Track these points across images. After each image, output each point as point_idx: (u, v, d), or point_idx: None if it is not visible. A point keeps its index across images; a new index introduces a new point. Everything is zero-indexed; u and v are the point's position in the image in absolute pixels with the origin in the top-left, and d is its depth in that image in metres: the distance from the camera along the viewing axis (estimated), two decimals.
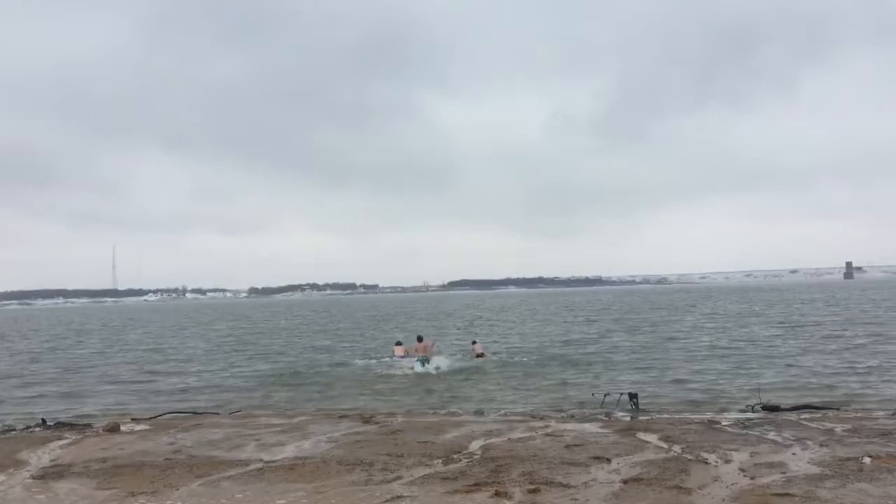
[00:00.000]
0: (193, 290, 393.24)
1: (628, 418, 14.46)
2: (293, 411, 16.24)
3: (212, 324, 69.37)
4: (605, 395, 16.54)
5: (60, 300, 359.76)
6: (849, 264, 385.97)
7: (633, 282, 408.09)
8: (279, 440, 11.83)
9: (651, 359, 24.66)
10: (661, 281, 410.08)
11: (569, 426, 12.80)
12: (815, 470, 8.67)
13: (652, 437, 11.23)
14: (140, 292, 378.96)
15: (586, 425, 12.92)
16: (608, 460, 9.38)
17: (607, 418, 14.29)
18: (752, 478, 8.43)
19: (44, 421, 15.34)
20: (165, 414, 16.28)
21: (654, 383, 19.28)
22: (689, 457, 9.55)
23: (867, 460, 8.93)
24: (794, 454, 9.64)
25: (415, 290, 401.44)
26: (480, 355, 27.80)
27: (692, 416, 14.15)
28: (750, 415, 14.26)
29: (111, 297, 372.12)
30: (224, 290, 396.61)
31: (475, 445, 10.92)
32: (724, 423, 12.87)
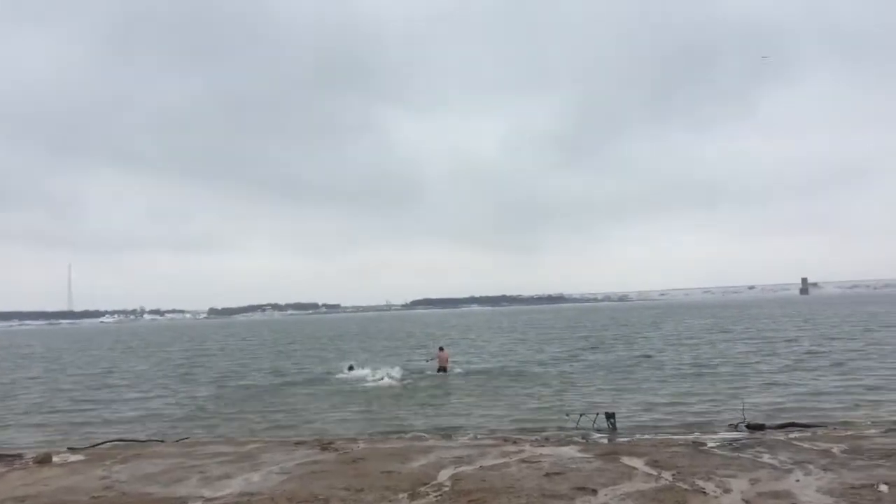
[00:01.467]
0: (151, 311, 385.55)
1: (606, 440, 13.53)
2: (245, 438, 14.99)
3: (166, 345, 67.06)
4: (580, 416, 15.57)
5: (15, 322, 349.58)
6: (804, 280, 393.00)
7: (594, 299, 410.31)
8: (225, 472, 10.60)
9: (624, 377, 23.75)
10: (623, 298, 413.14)
11: (545, 451, 11.77)
12: (828, 501, 7.75)
13: (638, 463, 10.26)
14: (97, 314, 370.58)
15: (564, 449, 11.91)
16: (594, 491, 8.36)
17: (585, 441, 13.31)
18: None
19: None
20: (105, 443, 14.92)
21: (629, 403, 18.32)
22: (683, 485, 8.57)
23: (884, 488, 8.03)
24: (797, 481, 8.72)
25: (377, 309, 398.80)
26: (443, 368, 26.95)
27: (676, 438, 13.23)
28: (736, 435, 13.39)
29: (67, 318, 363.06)
30: (183, 311, 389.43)
31: (444, 475, 9.83)
32: (710, 445, 11.97)
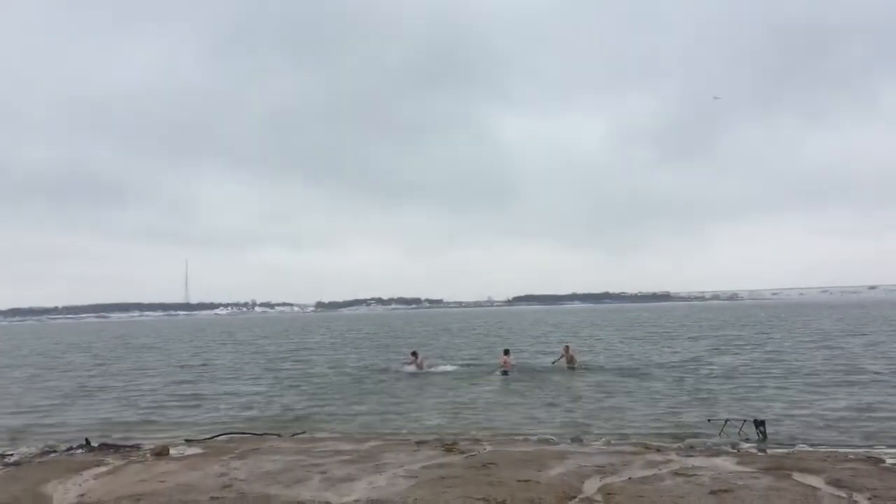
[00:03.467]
0: (262, 304, 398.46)
1: (758, 451, 12.06)
2: (363, 434, 14.28)
3: (279, 336, 68.30)
4: (724, 422, 14.11)
5: (136, 313, 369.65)
6: None
7: (702, 297, 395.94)
8: (348, 473, 9.83)
9: (760, 382, 21.73)
10: (732, 297, 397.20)
11: (696, 462, 10.45)
12: None
13: (815, 481, 8.83)
14: (211, 306, 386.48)
15: (717, 461, 10.56)
16: None
17: (736, 451, 11.90)
18: None
19: (87, 442, 13.76)
20: (221, 435, 14.56)
21: (770, 410, 16.55)
22: None
23: None
24: None
25: (478, 304, 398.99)
26: (572, 361, 26.02)
27: (843, 451, 11.63)
28: None
29: (184, 310, 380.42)
30: (292, 305, 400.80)
31: (591, 487, 8.71)
32: (890, 461, 10.37)
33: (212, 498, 8.41)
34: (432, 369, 26.53)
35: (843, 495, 8.00)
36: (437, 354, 34.82)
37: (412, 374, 25.91)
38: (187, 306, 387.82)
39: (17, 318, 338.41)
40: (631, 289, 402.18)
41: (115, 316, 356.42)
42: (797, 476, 9.16)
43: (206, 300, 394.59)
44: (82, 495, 8.86)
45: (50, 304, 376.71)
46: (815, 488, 8.39)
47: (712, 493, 8.20)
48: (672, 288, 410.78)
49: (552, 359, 28.10)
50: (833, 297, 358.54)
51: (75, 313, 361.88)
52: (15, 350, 58.09)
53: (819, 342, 37.89)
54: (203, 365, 34.34)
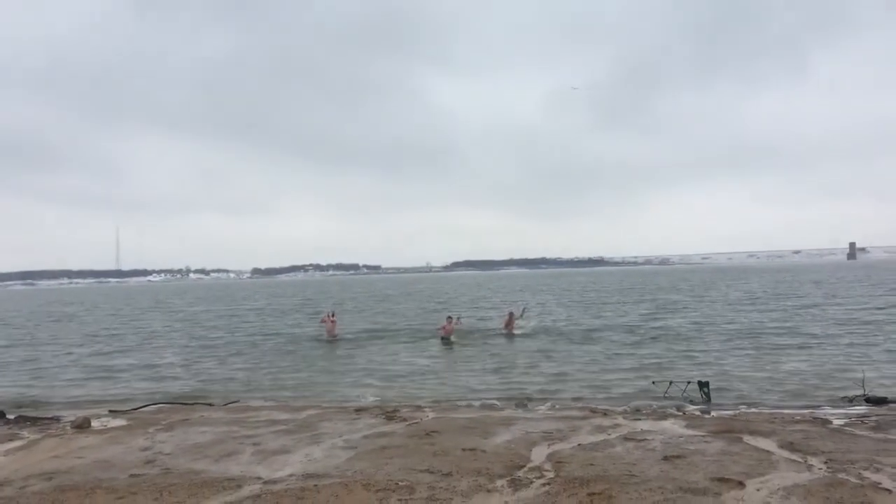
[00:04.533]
0: (197, 271, 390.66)
1: (703, 413, 11.92)
2: (300, 403, 13.67)
3: (212, 302, 66.69)
4: (669, 384, 13.97)
5: (65, 280, 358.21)
6: (852, 245, 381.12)
7: (635, 262, 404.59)
8: (283, 445, 9.23)
9: (702, 343, 21.83)
10: (664, 261, 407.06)
11: (644, 425, 10.20)
12: None
13: (767, 444, 8.63)
14: (144, 272, 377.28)
15: (665, 424, 10.32)
16: (740, 484, 6.75)
17: (682, 413, 11.73)
18: None
19: (2, 413, 12.80)
20: (149, 405, 13.77)
21: (708, 372, 16.51)
22: (849, 478, 6.92)
23: None
24: None
25: (417, 270, 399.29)
26: (509, 326, 25.74)
27: (789, 413, 11.56)
28: (859, 410, 11.69)
29: (115, 277, 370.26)
30: (227, 271, 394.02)
31: (539, 455, 8.32)
32: (838, 423, 10.29)
33: (132, 475, 7.72)
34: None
35: (798, 459, 7.78)
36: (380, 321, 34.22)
37: (349, 341, 25.24)
38: (119, 273, 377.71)
39: None
40: (566, 254, 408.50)
41: (44, 283, 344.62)
42: (748, 439, 8.95)
43: (139, 267, 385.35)
44: None
45: None
46: (768, 452, 8.16)
47: (665, 458, 7.89)
48: (606, 253, 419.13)
49: (495, 324, 27.84)
50: (760, 262, 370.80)
51: (1, 280, 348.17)
52: None
53: (754, 305, 38.63)
54: (134, 334, 33.02)
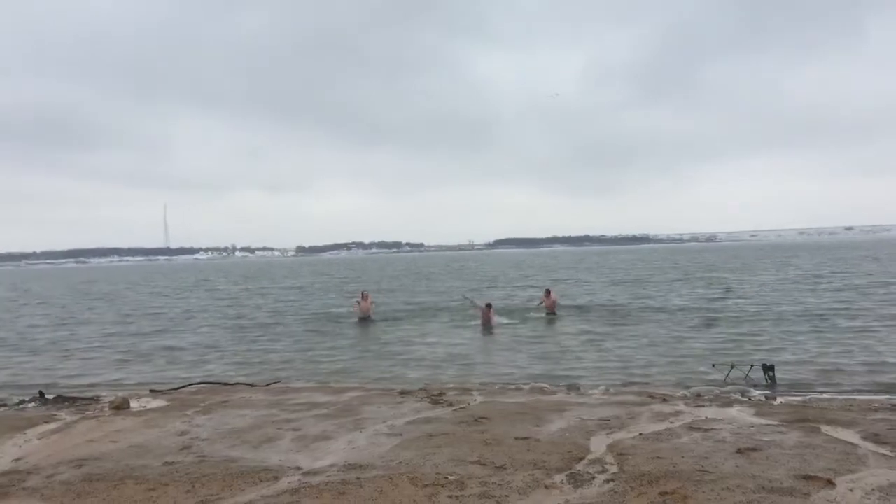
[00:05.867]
0: (243, 249, 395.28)
1: (765, 398, 11.15)
2: (341, 385, 13.22)
3: (257, 280, 67.05)
4: (731, 367, 13.18)
5: (115, 258, 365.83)
6: None
7: (680, 240, 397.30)
8: (324, 430, 8.75)
9: (759, 325, 20.80)
10: (710, 238, 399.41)
11: (708, 412, 9.48)
12: None
13: (849, 435, 7.86)
14: (191, 251, 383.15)
15: (732, 411, 9.59)
16: (830, 483, 6.03)
17: (748, 399, 10.97)
18: None
19: (41, 394, 12.59)
20: (189, 385, 13.45)
21: (778, 353, 15.63)
22: None
23: None
24: None
25: (460, 248, 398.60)
26: (551, 309, 24.55)
27: (864, 399, 10.73)
28: None
29: (164, 255, 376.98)
30: (272, 249, 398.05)
31: (599, 446, 7.68)
32: None
33: (166, 462, 7.30)
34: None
35: (889, 454, 7.01)
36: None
37: (389, 321, 24.68)
38: (167, 251, 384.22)
39: None
40: (610, 231, 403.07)
41: (95, 261, 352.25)
42: (827, 429, 8.19)
43: (187, 245, 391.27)
44: (18, 459, 7.72)
45: (28, 250, 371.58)
46: (853, 445, 7.41)
47: (739, 451, 7.19)
48: (650, 230, 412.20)
49: (534, 303, 26.78)
50: (811, 239, 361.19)
51: (54, 258, 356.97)
52: None
53: (816, 284, 37.17)
54: (183, 312, 33.13)
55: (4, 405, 12.11)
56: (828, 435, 7.94)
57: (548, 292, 25.66)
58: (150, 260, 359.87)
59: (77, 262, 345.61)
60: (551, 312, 24.44)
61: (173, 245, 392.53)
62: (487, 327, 21.69)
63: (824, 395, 11.31)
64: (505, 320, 22.96)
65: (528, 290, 39.03)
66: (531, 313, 25.00)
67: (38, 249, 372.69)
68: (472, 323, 22.68)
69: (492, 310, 22.64)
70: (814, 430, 8.20)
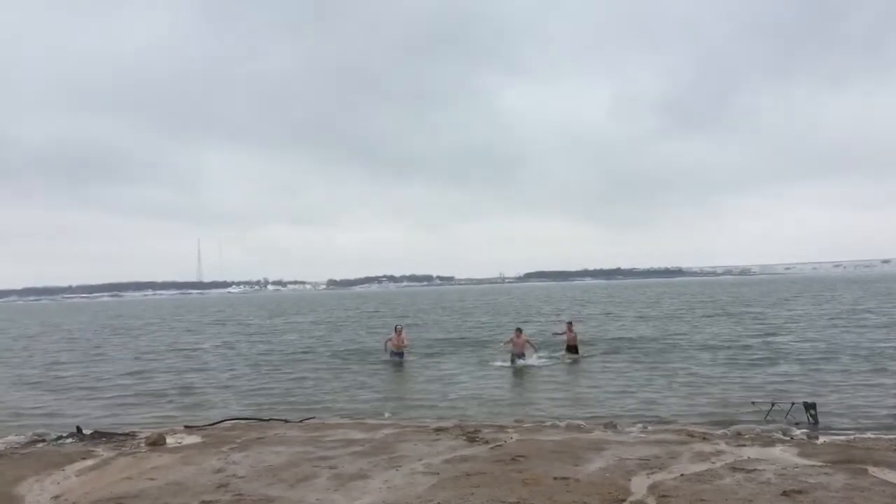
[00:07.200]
0: (274, 283, 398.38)
1: (807, 437, 10.89)
2: (376, 420, 13.18)
3: (289, 314, 67.46)
4: (771, 405, 12.93)
5: (150, 292, 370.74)
6: None
7: (714, 273, 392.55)
8: (360, 469, 8.70)
9: (801, 362, 20.35)
10: (744, 272, 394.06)
11: (750, 452, 9.28)
12: None
13: None
14: (224, 284, 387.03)
15: (775, 451, 9.37)
16: None
17: (789, 438, 10.72)
18: None
19: (79, 429, 12.71)
20: (224, 420, 13.49)
21: (819, 392, 15.30)
22: None
23: None
24: None
25: (490, 281, 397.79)
26: (573, 347, 23.60)
27: None
28: None
29: (197, 289, 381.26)
30: (304, 283, 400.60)
31: (639, 487, 7.54)
32: None
33: (203, 502, 7.30)
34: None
35: None
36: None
37: (422, 355, 24.56)
38: (200, 285, 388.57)
39: (31, 297, 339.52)
40: (642, 264, 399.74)
41: (129, 295, 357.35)
42: (874, 471, 7.96)
43: (220, 279, 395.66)
44: (57, 497, 7.78)
45: (65, 284, 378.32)
46: None
47: (784, 494, 7.02)
48: (683, 263, 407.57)
49: (556, 332, 25.89)
50: (847, 272, 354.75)
51: (89, 292, 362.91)
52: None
53: (854, 319, 36.46)
54: (218, 345, 33.41)
55: (43, 440, 12.23)
56: (875, 477, 7.72)
57: (569, 325, 24.74)
58: (183, 293, 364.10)
59: (111, 297, 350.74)
60: (572, 346, 23.54)
61: (206, 279, 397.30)
62: (519, 357, 21.18)
63: (868, 435, 11.03)
64: (535, 356, 22.31)
65: (561, 325, 38.76)
66: (552, 348, 24.28)
67: (75, 283, 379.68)
68: (503, 359, 22.14)
69: (523, 335, 22.11)
70: (861, 471, 7.98)
